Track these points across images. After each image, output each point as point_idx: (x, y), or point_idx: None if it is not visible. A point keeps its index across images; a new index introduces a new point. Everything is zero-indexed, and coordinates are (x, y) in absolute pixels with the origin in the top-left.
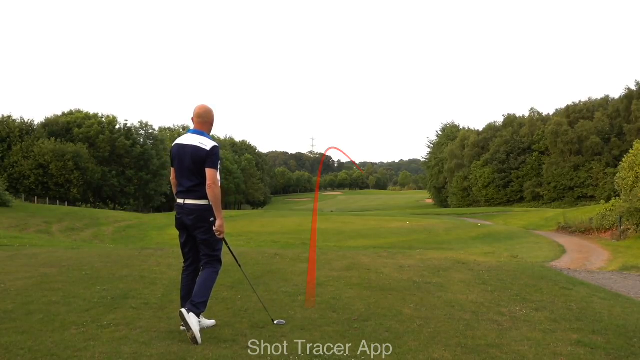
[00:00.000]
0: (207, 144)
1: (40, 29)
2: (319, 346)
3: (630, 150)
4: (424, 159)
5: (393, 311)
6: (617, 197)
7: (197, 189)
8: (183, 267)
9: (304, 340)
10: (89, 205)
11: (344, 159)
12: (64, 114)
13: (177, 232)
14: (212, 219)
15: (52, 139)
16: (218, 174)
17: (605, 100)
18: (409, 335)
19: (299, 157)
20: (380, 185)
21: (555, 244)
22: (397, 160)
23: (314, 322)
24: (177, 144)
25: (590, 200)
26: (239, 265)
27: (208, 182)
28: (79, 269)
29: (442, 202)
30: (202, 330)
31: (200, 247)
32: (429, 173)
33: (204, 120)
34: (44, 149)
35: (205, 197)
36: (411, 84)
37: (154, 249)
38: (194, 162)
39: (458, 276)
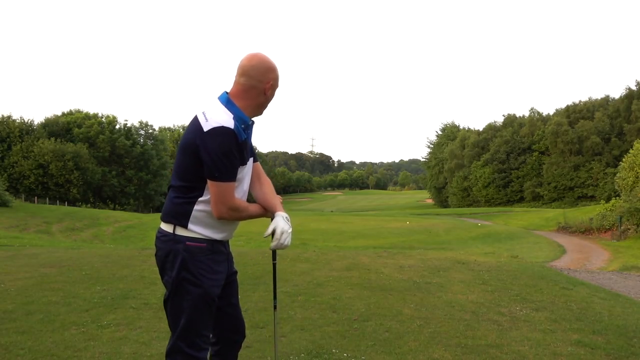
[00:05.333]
0: (212, 119)
1: (40, 29)
2: (318, 346)
3: (630, 150)
4: (424, 159)
5: (393, 311)
6: (617, 197)
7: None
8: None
9: (304, 340)
10: (89, 205)
11: (344, 159)
12: (63, 114)
13: None
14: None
15: (52, 139)
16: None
17: (606, 100)
18: (409, 335)
19: (299, 157)
20: (380, 185)
21: (555, 244)
22: (397, 160)
23: (314, 322)
24: None
25: (590, 200)
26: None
27: (213, 200)
28: (79, 269)
29: (442, 202)
30: None
31: None
32: (429, 173)
33: (240, 79)
34: (44, 149)
35: (172, 217)
36: (411, 84)
37: (154, 249)
38: (181, 151)
39: (458, 276)
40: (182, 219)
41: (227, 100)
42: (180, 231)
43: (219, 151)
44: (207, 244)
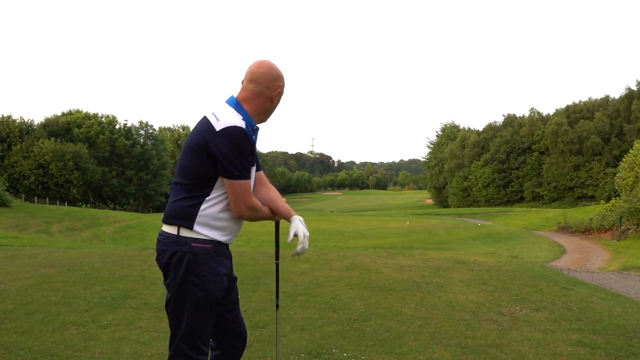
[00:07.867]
0: (223, 119)
1: (40, 29)
2: (318, 346)
3: (630, 150)
4: (424, 159)
5: (393, 311)
6: (617, 197)
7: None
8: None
9: (304, 341)
10: (89, 205)
11: (344, 159)
12: (63, 114)
13: None
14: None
15: (52, 139)
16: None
17: (606, 100)
18: (409, 335)
19: (299, 157)
20: (380, 185)
21: (555, 244)
22: (397, 160)
23: (314, 322)
24: None
25: (590, 200)
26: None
27: (232, 200)
28: (79, 269)
29: (442, 202)
30: None
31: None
32: (429, 173)
33: (249, 85)
34: (44, 149)
35: (176, 218)
36: (411, 84)
37: (154, 249)
38: (189, 152)
39: (458, 276)
40: (187, 220)
41: (236, 104)
42: (184, 232)
43: (234, 149)
44: (212, 245)
